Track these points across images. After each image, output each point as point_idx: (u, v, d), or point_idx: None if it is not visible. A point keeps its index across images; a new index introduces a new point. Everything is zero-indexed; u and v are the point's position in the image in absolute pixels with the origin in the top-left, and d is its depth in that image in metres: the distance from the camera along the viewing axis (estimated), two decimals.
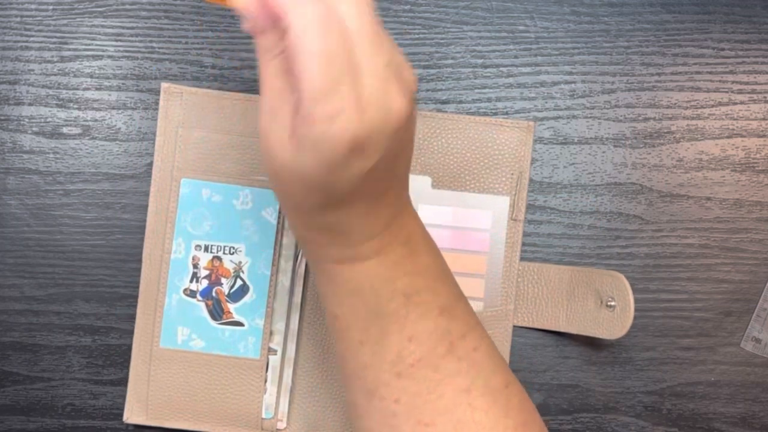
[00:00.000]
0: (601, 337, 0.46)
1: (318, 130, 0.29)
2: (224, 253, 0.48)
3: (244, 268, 0.48)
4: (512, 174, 0.49)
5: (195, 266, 0.48)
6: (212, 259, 0.48)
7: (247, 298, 0.48)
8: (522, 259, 0.49)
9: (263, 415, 0.48)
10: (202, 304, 0.48)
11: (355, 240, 0.34)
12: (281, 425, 0.48)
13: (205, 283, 0.48)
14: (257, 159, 0.48)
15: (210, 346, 0.48)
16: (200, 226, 0.48)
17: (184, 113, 0.49)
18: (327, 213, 0.33)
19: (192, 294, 0.48)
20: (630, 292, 0.44)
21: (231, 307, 0.48)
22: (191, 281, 0.48)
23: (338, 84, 0.29)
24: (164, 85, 0.49)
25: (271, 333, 0.48)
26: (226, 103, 0.49)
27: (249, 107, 0.49)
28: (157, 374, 0.48)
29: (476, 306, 0.48)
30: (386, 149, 0.31)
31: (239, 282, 0.48)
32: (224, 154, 0.48)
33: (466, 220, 0.49)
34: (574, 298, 0.47)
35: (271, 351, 0.48)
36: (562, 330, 0.48)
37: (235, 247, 0.48)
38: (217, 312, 0.48)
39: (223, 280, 0.48)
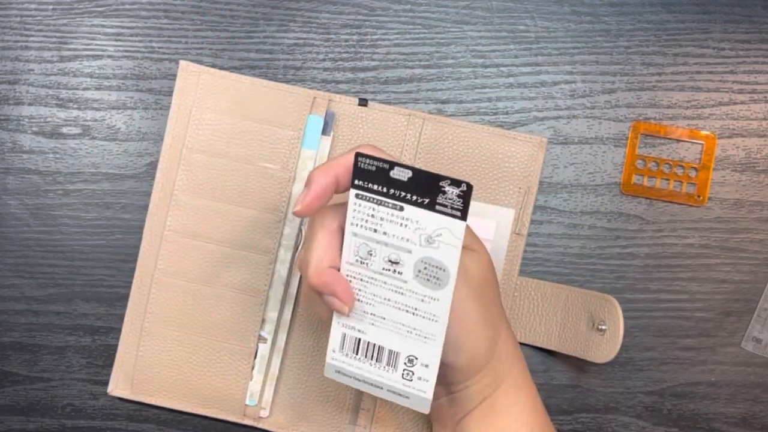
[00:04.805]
0: (588, 359, 0.45)
1: None
2: None
3: None
4: (520, 188, 0.48)
5: None
6: None
7: None
8: (522, 260, 0.48)
9: (247, 402, 0.48)
10: None
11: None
12: (264, 413, 0.48)
13: None
14: (265, 146, 0.48)
15: None
16: None
17: (200, 93, 0.49)
18: None
19: None
20: (621, 318, 0.44)
21: None
22: None
23: None
24: (182, 62, 0.49)
25: (263, 321, 0.48)
26: (242, 87, 0.49)
27: (264, 93, 0.48)
28: (145, 349, 0.48)
29: None
30: None
31: None
32: (234, 138, 0.48)
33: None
34: (567, 318, 0.47)
35: (261, 339, 0.48)
36: (552, 349, 0.48)
37: None
38: None
39: None
